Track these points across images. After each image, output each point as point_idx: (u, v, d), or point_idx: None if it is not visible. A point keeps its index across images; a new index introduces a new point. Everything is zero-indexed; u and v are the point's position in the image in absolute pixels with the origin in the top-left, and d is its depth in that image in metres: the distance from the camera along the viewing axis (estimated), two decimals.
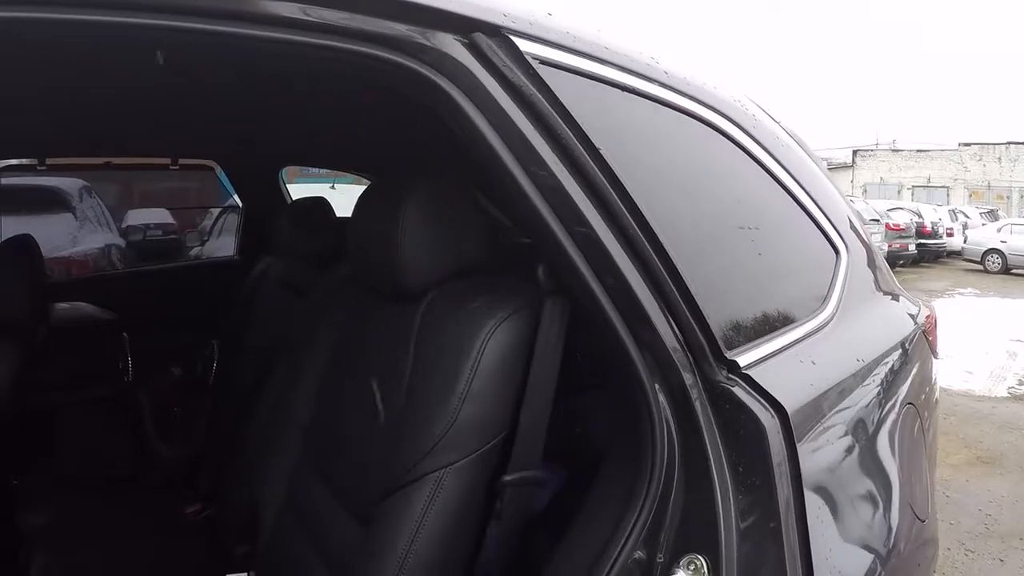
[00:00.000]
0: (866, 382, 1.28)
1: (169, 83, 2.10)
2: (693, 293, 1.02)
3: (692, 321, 1.02)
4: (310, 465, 1.60)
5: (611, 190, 0.99)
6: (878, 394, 1.32)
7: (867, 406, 1.27)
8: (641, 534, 1.05)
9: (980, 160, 34.95)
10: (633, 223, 1.00)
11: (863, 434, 1.24)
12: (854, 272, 1.43)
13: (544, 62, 0.98)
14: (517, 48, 0.96)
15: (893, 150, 38.67)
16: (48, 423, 2.66)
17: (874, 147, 40.03)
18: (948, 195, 33.68)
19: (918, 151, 37.39)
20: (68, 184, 6.67)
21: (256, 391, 2.11)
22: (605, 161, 0.98)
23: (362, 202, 1.45)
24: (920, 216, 20.74)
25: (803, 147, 1.50)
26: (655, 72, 1.14)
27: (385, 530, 1.21)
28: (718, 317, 1.05)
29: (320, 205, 2.51)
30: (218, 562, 1.97)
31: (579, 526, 1.16)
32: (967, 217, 23.93)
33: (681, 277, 1.02)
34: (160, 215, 10.73)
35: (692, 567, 1.01)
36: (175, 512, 2.29)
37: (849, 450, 1.19)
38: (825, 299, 1.31)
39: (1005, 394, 7.11)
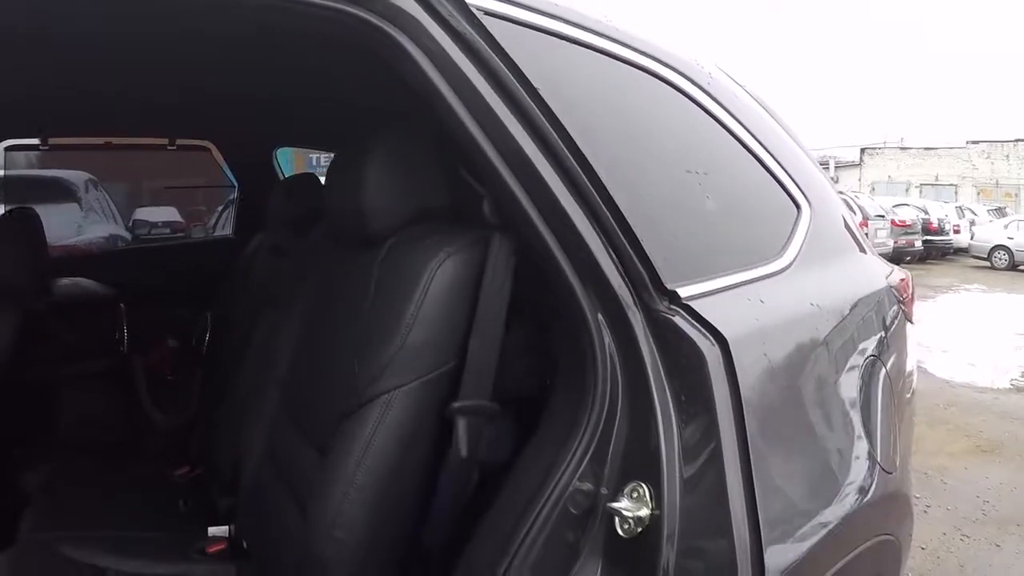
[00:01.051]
0: (820, 328, 1.30)
1: (166, 63, 2.18)
2: (632, 226, 1.07)
3: (632, 253, 1.07)
4: (285, 415, 1.67)
5: (551, 130, 1.05)
6: (835, 342, 1.34)
7: (821, 352, 1.29)
8: (583, 462, 1.09)
9: (988, 158, 34.81)
10: (573, 161, 1.06)
11: (815, 378, 1.26)
12: (818, 228, 1.46)
13: (489, 13, 1.05)
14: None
15: (901, 148, 38.53)
16: (48, 395, 2.73)
17: (882, 145, 39.90)
18: (956, 193, 33.56)
19: (926, 149, 37.24)
20: (74, 176, 6.77)
21: (241, 355, 2.18)
22: (545, 102, 1.05)
23: (335, 160, 1.54)
24: (926, 213, 20.70)
25: (769, 111, 1.55)
26: (604, 27, 1.20)
27: (338, 453, 1.27)
28: (659, 251, 1.09)
29: (308, 178, 2.60)
30: (203, 516, 2.04)
31: (526, 458, 1.21)
32: (974, 214, 23.85)
33: (620, 211, 1.07)
34: (169, 213, 10.86)
35: (635, 495, 1.04)
36: (166, 474, 2.36)
37: (798, 391, 1.22)
38: (782, 249, 1.34)
39: (1007, 385, 7.13)
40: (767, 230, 1.35)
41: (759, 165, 1.38)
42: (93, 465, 2.41)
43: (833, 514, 1.18)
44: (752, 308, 1.17)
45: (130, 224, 8.56)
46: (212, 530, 1.93)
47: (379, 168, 1.36)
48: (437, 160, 1.37)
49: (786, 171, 1.44)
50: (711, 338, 1.05)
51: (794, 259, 1.35)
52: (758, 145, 1.39)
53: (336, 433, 1.30)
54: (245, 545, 1.79)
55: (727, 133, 1.33)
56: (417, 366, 1.24)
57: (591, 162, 1.06)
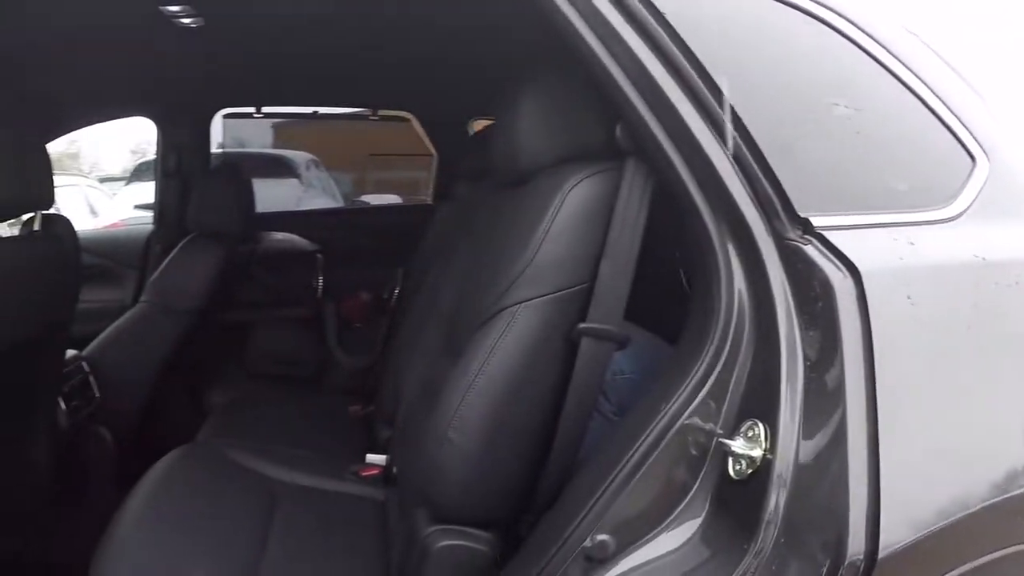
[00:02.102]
0: (986, 283, 1.18)
1: (370, 38, 2.38)
2: (763, 151, 1.06)
3: (763, 178, 1.06)
4: (442, 345, 1.76)
5: (680, 54, 1.07)
6: (1004, 302, 1.20)
7: (985, 308, 1.17)
8: (698, 395, 1.08)
9: None
10: (702, 85, 1.06)
11: (972, 336, 1.14)
12: (998, 184, 1.36)
13: None
14: None
15: None
16: (245, 330, 3.05)
17: None
18: None
19: None
20: (297, 155, 7.38)
21: (413, 301, 2.33)
22: (672, 26, 1.07)
23: (497, 107, 1.58)
24: None
25: (947, 61, 1.47)
26: None
27: (464, 361, 1.34)
28: (792, 178, 1.07)
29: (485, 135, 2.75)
30: (364, 445, 2.20)
31: (646, 392, 1.21)
32: None
33: (751, 136, 1.06)
34: (390, 200, 11.48)
35: (750, 434, 1.02)
36: (342, 408, 2.56)
37: (949, 345, 1.11)
38: (948, 199, 1.26)
39: None
40: (931, 178, 1.27)
41: (929, 113, 1.31)
42: (276, 393, 2.67)
43: (972, 498, 1.07)
44: (898, 247, 1.11)
45: (351, 205, 9.20)
46: (370, 457, 2.08)
47: (528, 111, 1.41)
48: (585, 105, 1.40)
49: (963, 123, 1.36)
50: (844, 269, 1.01)
51: (963, 211, 1.25)
52: (930, 93, 1.32)
53: (467, 343, 1.37)
54: (395, 471, 1.91)
55: (891, 76, 1.26)
56: (545, 283, 1.28)
57: (721, 87, 1.06)
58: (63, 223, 1.86)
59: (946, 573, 1.05)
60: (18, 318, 1.68)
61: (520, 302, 1.28)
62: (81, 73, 2.43)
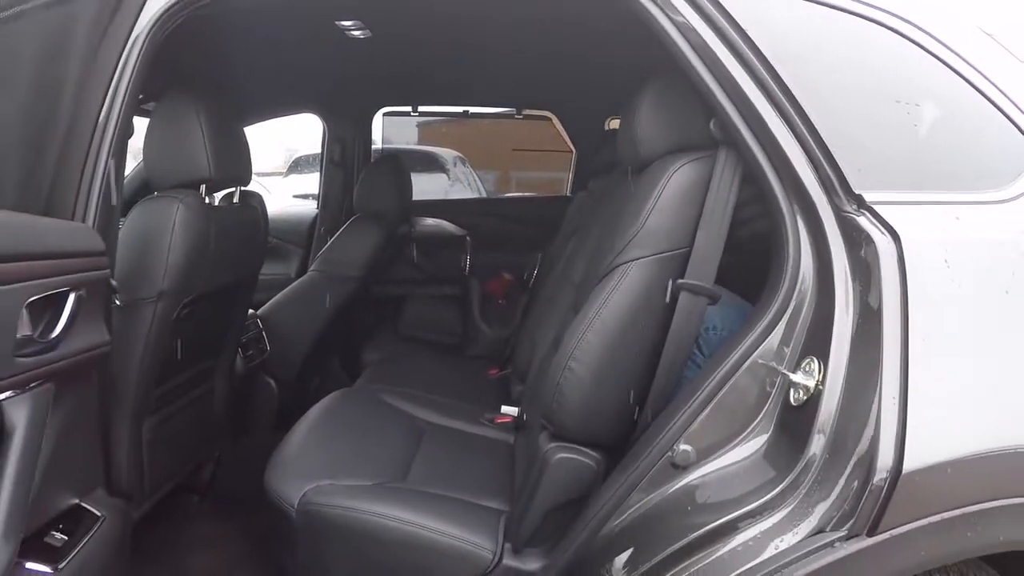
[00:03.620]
0: None
1: (517, 43, 2.67)
2: (825, 140, 1.32)
3: (825, 163, 1.32)
4: (571, 305, 2.06)
5: (756, 61, 1.35)
6: None
7: (1021, 275, 1.30)
8: (769, 335, 1.35)
9: None
10: (777, 89, 1.34)
11: (1007, 298, 1.28)
12: None
13: None
14: None
15: None
16: (399, 303, 3.46)
17: None
18: None
19: None
20: (445, 152, 7.88)
21: (550, 277, 2.66)
22: (751, 38, 1.35)
23: (624, 107, 1.87)
24: None
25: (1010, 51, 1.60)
26: None
27: (586, 306, 1.64)
28: (850, 162, 1.32)
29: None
30: (500, 400, 2.51)
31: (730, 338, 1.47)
32: None
33: (814, 126, 1.32)
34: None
35: (808, 368, 1.28)
36: (482, 370, 2.92)
37: (984, 306, 1.27)
38: (1005, 184, 1.40)
39: None
40: (987, 164, 1.42)
41: (990, 105, 1.45)
42: (424, 354, 3.06)
43: (991, 440, 1.22)
44: (941, 220, 1.31)
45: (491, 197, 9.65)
46: (505, 408, 2.41)
47: (647, 110, 1.71)
48: (687, 104, 1.65)
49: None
50: (887, 235, 1.25)
51: (1017, 196, 1.39)
52: (992, 87, 1.47)
53: (588, 295, 1.67)
54: (524, 418, 2.21)
55: (952, 71, 1.42)
56: (652, 244, 1.57)
57: (791, 88, 1.33)
58: (257, 198, 2.26)
59: (958, 506, 1.20)
60: (223, 268, 2.08)
61: (632, 260, 1.57)
62: (265, 74, 2.89)
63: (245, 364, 2.64)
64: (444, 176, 7.44)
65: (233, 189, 2.16)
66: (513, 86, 3.51)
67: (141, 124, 1.89)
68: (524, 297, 3.30)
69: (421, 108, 3.85)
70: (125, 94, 1.47)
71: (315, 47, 2.65)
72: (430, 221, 3.84)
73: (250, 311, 2.76)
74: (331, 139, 3.66)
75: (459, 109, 3.98)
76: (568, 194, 4.06)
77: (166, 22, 1.50)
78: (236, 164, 2.07)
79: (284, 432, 2.07)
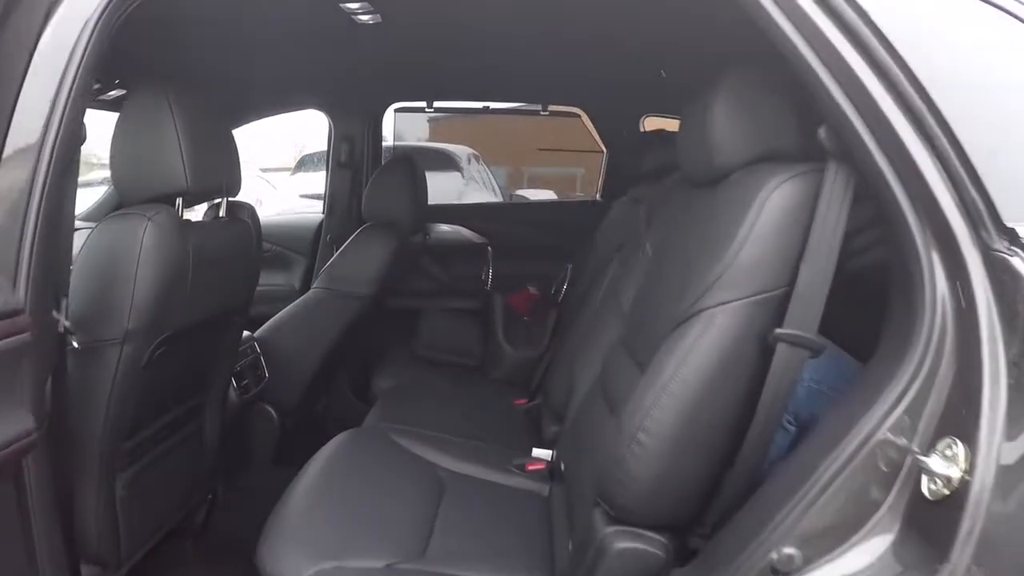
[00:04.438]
0: None
1: (542, 31, 2.38)
2: (971, 157, 0.99)
3: (971, 186, 0.99)
4: (621, 344, 1.75)
5: (892, 62, 1.03)
6: None
7: None
8: (896, 410, 1.03)
9: None
10: (914, 92, 1.02)
11: None
12: None
13: None
14: None
15: None
16: (415, 320, 3.14)
17: None
18: None
19: None
20: (458, 149, 7.56)
21: (589, 296, 2.33)
22: (886, 37, 1.04)
23: (686, 107, 1.56)
24: None
25: None
26: None
27: (657, 363, 1.32)
28: (1000, 186, 0.99)
29: (660, 132, 2.74)
30: (530, 439, 2.21)
31: (835, 400, 1.16)
32: None
33: (959, 141, 1.00)
34: (545, 195, 11.61)
35: (948, 453, 0.97)
36: (507, 399, 2.60)
37: None
38: None
39: None
40: None
41: None
42: (442, 380, 2.74)
43: None
44: None
45: (509, 199, 9.36)
46: (536, 452, 2.10)
47: (724, 107, 1.39)
48: (778, 106, 1.37)
49: None
50: None
51: None
52: None
53: (660, 345, 1.34)
54: (563, 468, 1.90)
55: None
56: (744, 285, 1.24)
57: (931, 94, 1.01)
58: (247, 210, 1.95)
59: None
60: (206, 297, 1.77)
61: (719, 304, 1.25)
62: (262, 66, 2.57)
63: (240, 395, 2.34)
64: (458, 175, 7.12)
65: (219, 201, 1.85)
66: (539, 79, 3.17)
67: None
68: (552, 314, 2.97)
69: (437, 104, 3.51)
70: (71, 89, 1.14)
71: (318, 33, 2.32)
72: (446, 227, 3.53)
73: (245, 333, 2.46)
74: (337, 138, 3.34)
75: (479, 105, 3.63)
76: (598, 198, 3.73)
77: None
78: (220, 171, 1.76)
79: (286, 466, 1.83)
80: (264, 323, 2.72)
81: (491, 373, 2.92)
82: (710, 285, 1.26)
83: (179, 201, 1.63)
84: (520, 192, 11.10)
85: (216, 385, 2.10)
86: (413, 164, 2.90)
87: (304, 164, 8.04)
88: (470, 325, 3.14)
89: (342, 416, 2.97)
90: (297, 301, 2.75)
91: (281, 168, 9.34)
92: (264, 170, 9.39)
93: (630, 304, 1.85)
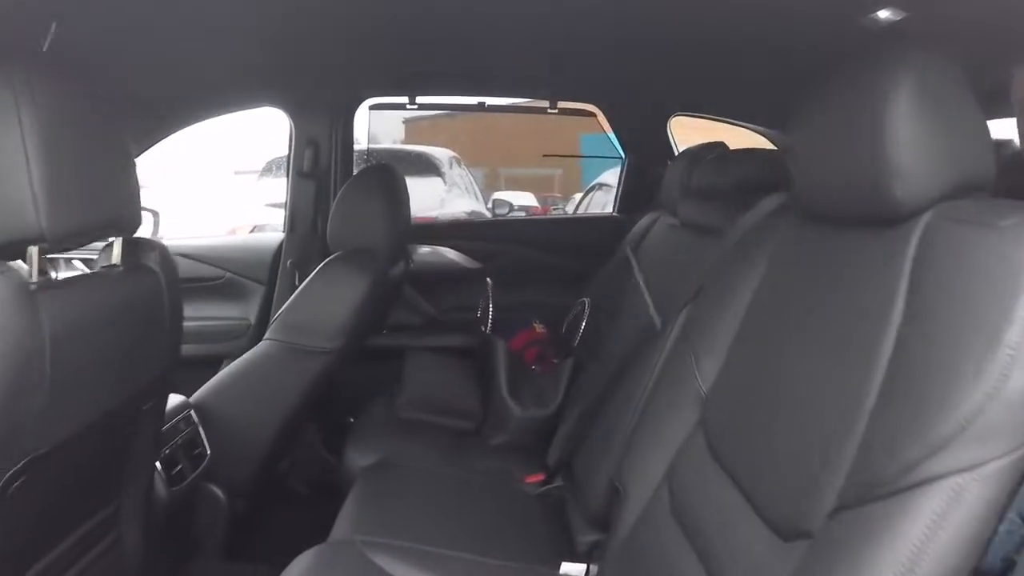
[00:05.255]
0: None
1: (553, 11, 1.85)
2: None
3: None
4: (705, 448, 1.23)
5: None
6: None
7: None
8: None
9: None
10: None
11: None
12: None
13: None
14: None
15: None
16: (397, 361, 2.55)
17: None
18: None
19: None
20: (440, 153, 6.99)
21: (635, 354, 1.75)
22: None
23: (814, 110, 1.11)
24: None
25: None
26: None
27: (845, 557, 0.80)
28: None
29: (721, 145, 2.18)
30: (555, 547, 1.69)
31: None
32: None
33: None
34: (525, 198, 11.28)
35: None
36: (514, 476, 2.06)
37: None
38: None
39: None
40: None
41: None
42: (432, 452, 2.16)
43: None
44: None
45: (489, 204, 8.88)
46: (566, 567, 1.59)
47: (906, 113, 0.92)
48: (978, 112, 0.94)
49: None
50: None
51: None
52: None
53: (837, 519, 0.84)
54: None
55: None
56: (1017, 431, 0.73)
57: None
58: (154, 250, 1.38)
59: None
60: (85, 393, 1.20)
61: (968, 468, 0.74)
62: (197, 52, 1.96)
63: (171, 485, 1.77)
64: (440, 180, 6.53)
65: (112, 241, 1.26)
66: (546, 69, 2.58)
67: None
68: (567, 364, 2.37)
69: (420, 99, 2.84)
70: None
71: (269, 9, 1.74)
72: (428, 249, 2.94)
73: (178, 398, 1.88)
74: (299, 141, 2.72)
75: (472, 100, 3.00)
76: (615, 213, 3.16)
77: None
78: (102, 202, 1.18)
79: (244, 561, 1.65)
80: (211, 365, 2.29)
81: (492, 438, 2.30)
82: (953, 435, 0.74)
83: (32, 252, 1.04)
84: (498, 195, 10.73)
85: (134, 484, 1.51)
86: (391, 174, 2.29)
87: (273, 168, 7.32)
88: (464, 372, 2.53)
89: (312, 477, 2.49)
90: (245, 356, 2.13)
91: (253, 171, 8.57)
92: (239, 173, 8.64)
93: (713, 385, 1.30)
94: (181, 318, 1.48)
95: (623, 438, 1.60)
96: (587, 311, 2.45)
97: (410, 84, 2.70)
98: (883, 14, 1.64)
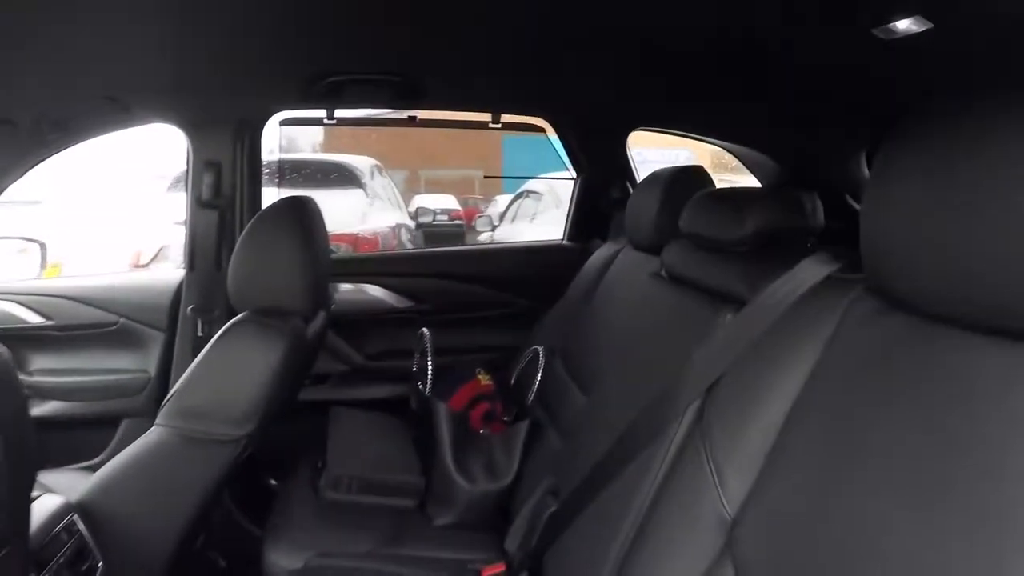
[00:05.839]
0: None
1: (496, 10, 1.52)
2: None
3: None
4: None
5: None
6: None
7: None
8: None
9: None
10: None
11: None
12: None
13: None
14: None
15: None
16: (322, 419, 2.17)
17: None
18: None
19: None
20: (360, 162, 6.53)
21: (626, 440, 1.39)
22: None
23: (921, 168, 0.79)
24: None
25: None
26: None
27: None
28: None
29: (702, 174, 1.87)
30: None
31: None
32: None
33: None
34: (447, 201, 10.98)
35: None
36: (467, 571, 1.70)
37: None
38: None
39: None
40: None
41: None
42: (368, 540, 1.78)
43: None
44: None
45: (412, 210, 8.49)
46: None
47: None
48: None
49: None
50: None
51: None
52: None
53: None
54: None
55: None
56: None
57: None
58: None
59: None
60: None
61: None
62: (63, 64, 1.54)
63: None
64: (361, 192, 6.08)
65: None
66: (487, 77, 2.22)
67: None
68: (522, 427, 1.99)
69: (340, 113, 2.39)
70: None
71: (153, 8, 1.36)
72: (351, 287, 2.55)
73: (58, 500, 1.47)
74: (197, 164, 2.29)
75: (401, 115, 2.58)
76: (565, 241, 2.81)
77: None
78: None
79: None
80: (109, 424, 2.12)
81: (438, 517, 1.92)
82: None
83: None
84: (420, 201, 10.43)
85: None
86: (304, 210, 1.86)
87: (181, 182, 6.72)
88: (399, 436, 2.15)
89: (231, 548, 2.16)
90: (136, 445, 1.68)
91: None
92: (161, 177, 7.90)
93: (745, 507, 0.96)
94: (29, 432, 1.08)
95: (619, 548, 1.26)
96: (541, 361, 2.09)
97: (326, 95, 2.28)
98: (902, 24, 1.38)
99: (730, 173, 4.41)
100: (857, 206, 2.53)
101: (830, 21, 1.45)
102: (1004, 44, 1.44)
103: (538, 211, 6.66)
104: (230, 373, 1.63)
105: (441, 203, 10.40)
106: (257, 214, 1.88)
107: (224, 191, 2.31)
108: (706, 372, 1.15)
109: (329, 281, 2.14)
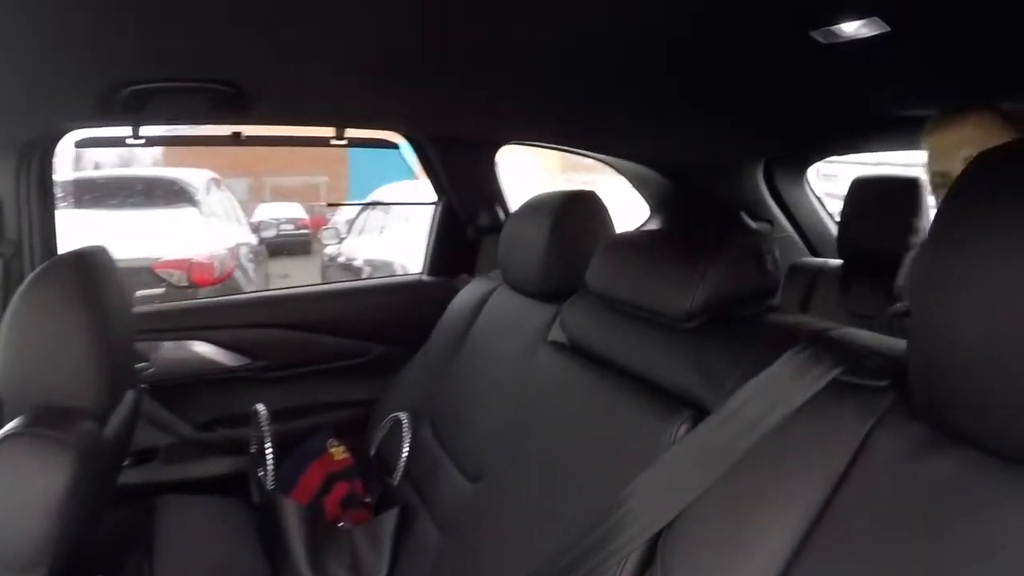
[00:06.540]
0: None
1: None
2: None
3: None
4: None
5: None
6: None
7: None
8: None
9: None
10: None
11: None
12: None
13: None
14: None
15: None
16: (149, 505, 1.78)
17: None
18: None
19: None
20: (194, 176, 5.94)
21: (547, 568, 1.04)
22: None
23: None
24: None
25: None
26: None
27: None
28: None
29: (597, 202, 1.56)
30: None
31: None
32: None
33: None
34: (292, 210, 10.48)
35: None
36: None
37: None
38: None
39: None
40: None
41: None
42: None
43: None
44: None
45: (254, 220, 7.96)
46: None
47: None
48: None
49: None
50: None
51: None
52: None
53: None
54: None
55: None
56: None
57: None
58: None
59: None
60: None
61: None
62: None
63: None
64: (194, 211, 5.49)
65: None
66: (330, 87, 1.84)
67: None
68: (390, 516, 1.61)
69: (148, 131, 1.97)
70: None
71: None
72: (172, 345, 2.09)
73: None
74: None
75: (223, 131, 2.17)
76: (424, 275, 2.44)
77: None
78: None
79: None
80: None
81: None
82: None
83: None
84: (262, 213, 9.91)
85: None
86: (87, 267, 1.39)
87: None
88: (239, 531, 1.74)
89: None
90: None
91: None
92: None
93: None
94: None
95: None
96: (407, 432, 1.74)
97: (128, 109, 1.82)
98: (849, 28, 1.16)
99: (584, 172, 4.12)
100: (754, 224, 2.32)
101: (759, 22, 1.20)
102: (963, 50, 1.25)
103: (387, 224, 6.30)
104: (3, 510, 1.16)
105: (286, 212, 10.10)
106: (28, 278, 1.39)
107: (7, 234, 1.82)
108: (659, 507, 0.82)
109: (134, 349, 1.70)
